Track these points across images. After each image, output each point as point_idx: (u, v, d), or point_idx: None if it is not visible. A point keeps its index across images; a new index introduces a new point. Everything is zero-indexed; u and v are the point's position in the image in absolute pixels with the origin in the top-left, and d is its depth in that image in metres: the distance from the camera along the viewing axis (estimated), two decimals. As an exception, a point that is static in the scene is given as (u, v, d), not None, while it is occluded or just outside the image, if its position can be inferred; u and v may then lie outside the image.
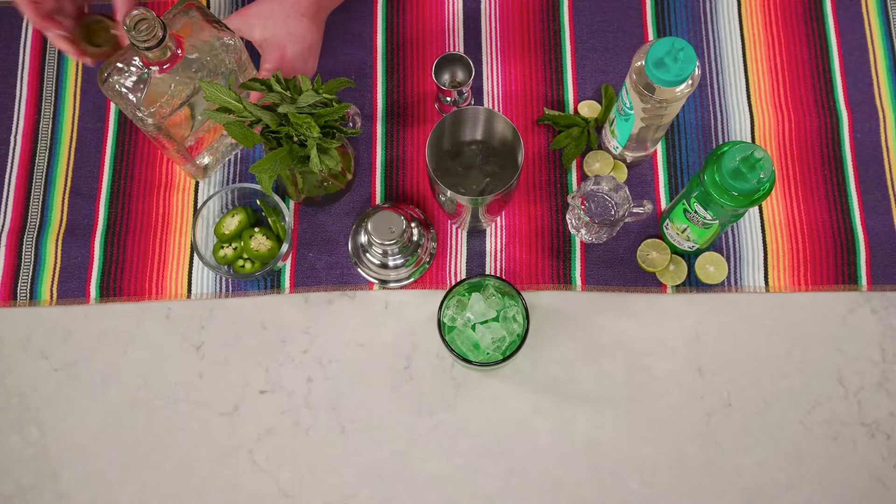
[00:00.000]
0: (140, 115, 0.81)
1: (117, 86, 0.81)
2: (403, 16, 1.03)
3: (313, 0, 0.90)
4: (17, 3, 0.83)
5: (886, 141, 0.98)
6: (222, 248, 0.94)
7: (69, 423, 0.92)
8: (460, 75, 0.96)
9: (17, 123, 1.00)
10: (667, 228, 0.93)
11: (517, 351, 0.82)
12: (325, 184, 0.92)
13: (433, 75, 0.93)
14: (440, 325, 0.83)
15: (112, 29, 0.90)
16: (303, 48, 0.89)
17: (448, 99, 0.96)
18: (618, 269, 0.95)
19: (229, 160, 0.99)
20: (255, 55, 0.91)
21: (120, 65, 0.81)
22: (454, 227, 0.97)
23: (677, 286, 0.94)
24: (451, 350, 0.82)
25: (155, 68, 0.80)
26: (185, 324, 0.94)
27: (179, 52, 0.80)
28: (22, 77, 1.02)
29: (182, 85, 0.81)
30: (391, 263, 0.92)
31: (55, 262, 0.95)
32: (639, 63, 0.80)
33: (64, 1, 0.86)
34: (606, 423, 0.91)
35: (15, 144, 1.00)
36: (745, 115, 0.99)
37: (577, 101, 1.00)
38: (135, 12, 0.75)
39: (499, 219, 0.97)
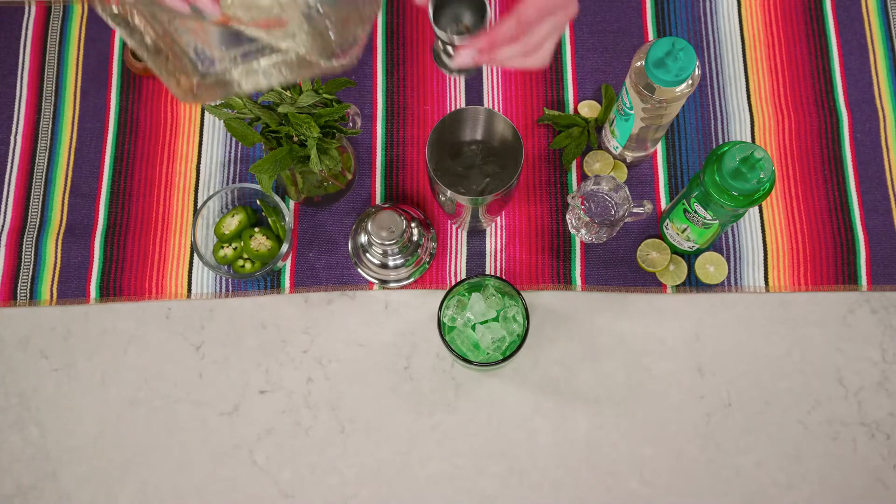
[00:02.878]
0: None
1: None
2: (403, 16, 1.03)
3: None
4: None
5: (886, 141, 0.98)
6: (222, 248, 0.94)
7: (69, 423, 0.92)
8: (468, 18, 0.69)
9: (17, 123, 1.00)
10: (667, 228, 0.93)
11: (517, 351, 0.82)
12: (325, 184, 0.92)
13: (431, 21, 0.67)
14: (440, 325, 0.83)
15: None
16: None
17: (449, 59, 0.69)
18: (618, 269, 0.95)
19: (229, 159, 0.99)
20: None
21: None
22: (454, 227, 0.97)
23: (677, 286, 0.94)
24: (451, 350, 0.82)
25: None
26: (185, 324, 0.94)
27: None
28: (22, 77, 1.02)
29: None
30: (391, 263, 0.92)
31: (55, 262, 0.95)
32: (639, 63, 0.80)
33: None
34: (606, 423, 0.91)
35: (15, 144, 1.00)
36: (745, 115, 0.99)
37: (577, 101, 1.00)
38: None
39: (499, 219, 0.97)
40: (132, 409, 0.92)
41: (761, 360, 0.92)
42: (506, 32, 0.63)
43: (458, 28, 0.69)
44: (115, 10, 0.60)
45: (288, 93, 0.79)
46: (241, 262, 0.93)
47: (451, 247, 0.96)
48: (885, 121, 0.99)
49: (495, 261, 0.95)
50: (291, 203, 0.97)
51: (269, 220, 0.95)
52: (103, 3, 0.61)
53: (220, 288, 0.95)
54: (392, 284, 0.94)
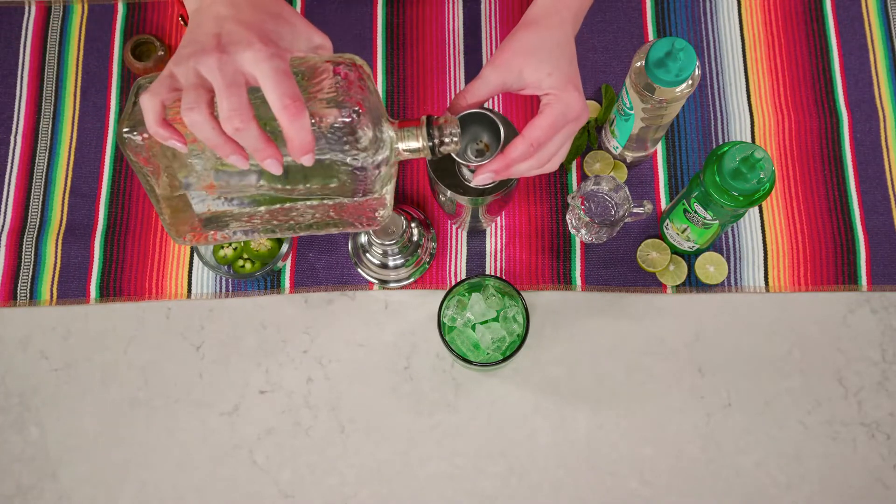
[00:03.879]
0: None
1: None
2: (403, 16, 1.03)
3: (579, 12, 0.72)
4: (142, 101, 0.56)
5: (886, 141, 0.98)
6: (222, 248, 0.94)
7: (69, 423, 0.92)
8: (486, 136, 0.72)
9: (17, 123, 1.00)
10: (667, 228, 0.93)
11: (517, 351, 0.82)
12: (325, 184, 0.92)
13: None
14: (440, 325, 0.83)
15: (159, 50, 0.99)
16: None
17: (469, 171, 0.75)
18: (618, 269, 0.95)
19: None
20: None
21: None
22: (454, 227, 0.97)
23: (677, 286, 0.94)
24: (451, 350, 0.82)
25: None
26: (185, 324, 0.94)
27: None
28: (22, 77, 1.02)
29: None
30: (391, 263, 0.92)
31: (55, 262, 0.95)
32: (639, 63, 0.80)
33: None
34: (606, 423, 0.91)
35: (15, 144, 1.00)
36: (745, 115, 1.00)
37: (577, 101, 1.00)
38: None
39: (499, 219, 0.97)
40: (132, 409, 0.92)
41: (761, 360, 0.92)
42: (519, 155, 0.67)
43: (477, 146, 0.73)
44: (140, 141, 0.59)
45: None
46: (241, 262, 0.93)
47: (451, 247, 0.96)
48: (885, 121, 0.99)
49: (495, 261, 0.95)
50: (291, 203, 0.97)
51: (269, 220, 0.95)
52: (126, 131, 0.59)
53: (220, 288, 0.95)
54: (392, 284, 0.94)
